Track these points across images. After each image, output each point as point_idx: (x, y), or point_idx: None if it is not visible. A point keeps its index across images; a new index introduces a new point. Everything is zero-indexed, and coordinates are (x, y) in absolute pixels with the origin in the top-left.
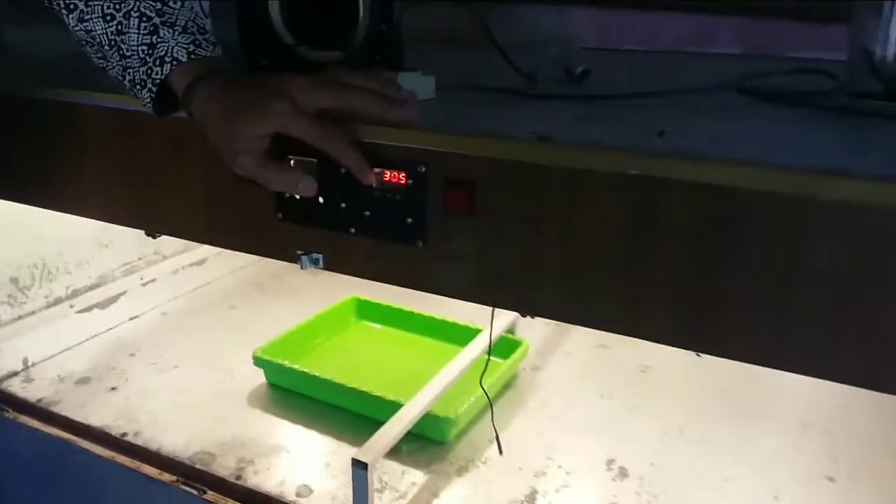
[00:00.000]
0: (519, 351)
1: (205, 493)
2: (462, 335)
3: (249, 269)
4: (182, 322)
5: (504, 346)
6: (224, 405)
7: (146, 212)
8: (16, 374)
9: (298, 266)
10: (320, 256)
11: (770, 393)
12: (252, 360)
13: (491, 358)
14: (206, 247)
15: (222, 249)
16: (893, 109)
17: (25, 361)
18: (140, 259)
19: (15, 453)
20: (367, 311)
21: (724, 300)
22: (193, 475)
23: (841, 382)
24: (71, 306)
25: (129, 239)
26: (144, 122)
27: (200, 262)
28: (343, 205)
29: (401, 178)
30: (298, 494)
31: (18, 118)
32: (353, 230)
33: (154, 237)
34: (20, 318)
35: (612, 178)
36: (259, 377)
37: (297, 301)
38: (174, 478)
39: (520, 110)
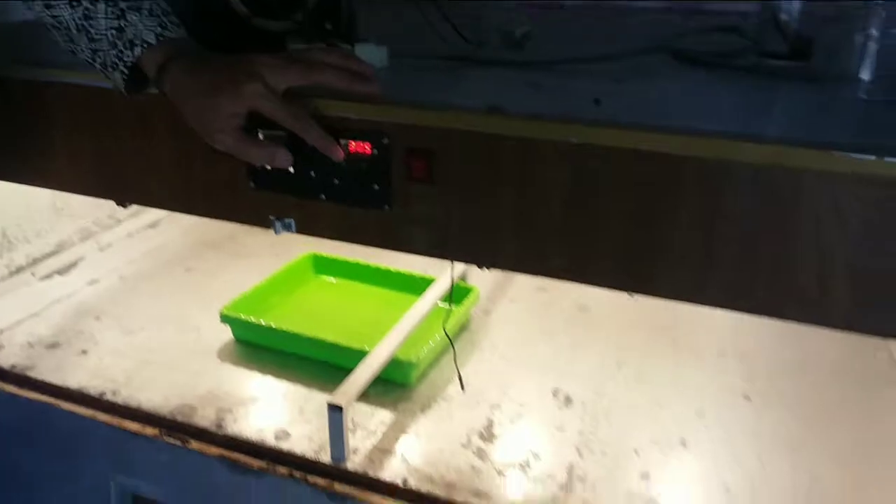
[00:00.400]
0: (471, 297)
1: (188, 442)
2: (415, 285)
3: (202, 230)
4: (141, 284)
5: (457, 293)
6: (195, 362)
7: (119, 183)
8: None
9: (272, 230)
10: (292, 221)
11: (692, 325)
12: (219, 318)
13: (442, 304)
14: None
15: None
16: (794, 69)
17: None
18: (95, 224)
19: None
20: (325, 265)
21: (655, 249)
22: (176, 427)
23: (751, 313)
24: (32, 274)
25: (84, 206)
26: (113, 98)
27: (154, 225)
28: (313, 173)
29: (366, 148)
30: (278, 438)
31: None
32: (323, 196)
33: (125, 206)
34: None
35: (557, 146)
36: (226, 334)
37: (251, 260)
38: (157, 431)
39: (469, 78)
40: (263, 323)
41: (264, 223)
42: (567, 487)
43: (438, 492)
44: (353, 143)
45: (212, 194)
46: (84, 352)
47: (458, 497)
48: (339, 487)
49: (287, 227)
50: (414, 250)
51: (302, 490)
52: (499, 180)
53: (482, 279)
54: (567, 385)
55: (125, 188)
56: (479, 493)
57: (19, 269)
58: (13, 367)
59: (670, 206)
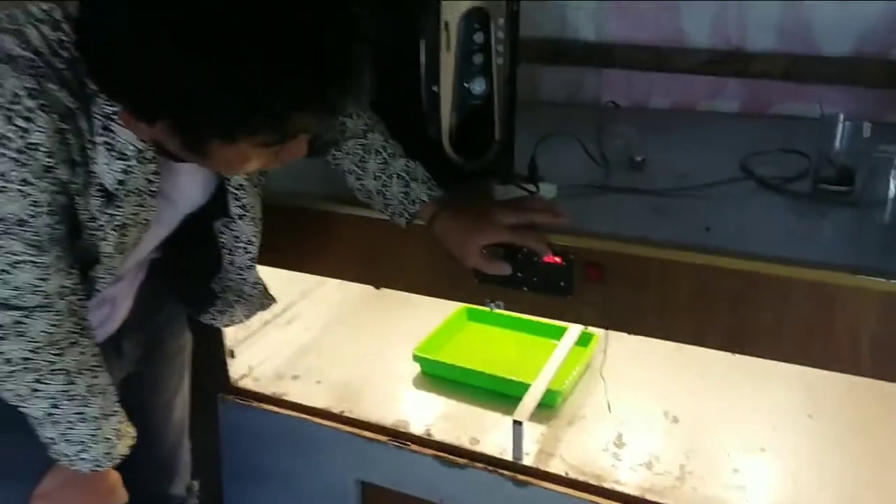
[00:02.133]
0: (594, 340)
1: (409, 446)
2: (549, 331)
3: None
4: (340, 328)
5: (585, 338)
6: (399, 389)
7: (381, 274)
8: (246, 375)
9: (488, 308)
10: (501, 302)
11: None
12: (412, 357)
13: (575, 346)
14: None
15: None
16: (841, 194)
17: (249, 367)
18: (308, 285)
19: (260, 433)
20: (475, 315)
21: (748, 326)
22: (398, 435)
23: (811, 367)
24: (273, 325)
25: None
26: (383, 222)
27: (341, 283)
28: (519, 274)
29: (557, 260)
30: (471, 443)
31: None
32: (525, 289)
33: (378, 289)
34: (246, 338)
35: (684, 265)
36: (414, 368)
37: (414, 307)
38: (386, 438)
39: (612, 203)
40: (448, 362)
41: (481, 303)
42: (681, 479)
43: (591, 480)
44: (550, 257)
45: (449, 284)
46: (318, 382)
47: (605, 485)
48: (521, 477)
49: (497, 307)
50: (585, 324)
51: (494, 479)
52: (646, 282)
53: None
54: (673, 405)
55: (385, 278)
56: (619, 482)
57: (266, 323)
58: (273, 393)
59: (755, 301)
